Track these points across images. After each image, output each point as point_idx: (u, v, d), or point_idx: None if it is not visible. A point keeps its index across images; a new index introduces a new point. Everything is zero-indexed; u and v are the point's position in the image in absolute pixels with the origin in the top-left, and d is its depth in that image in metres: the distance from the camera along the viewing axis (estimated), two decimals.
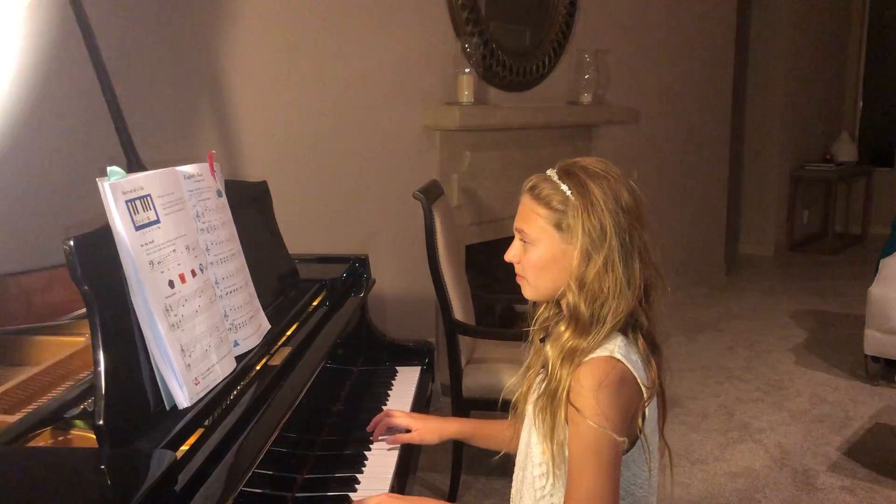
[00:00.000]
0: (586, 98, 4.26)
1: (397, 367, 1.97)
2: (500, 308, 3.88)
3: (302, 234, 2.40)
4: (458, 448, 2.78)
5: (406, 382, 1.87)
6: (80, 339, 1.53)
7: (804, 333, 4.73)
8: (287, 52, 2.93)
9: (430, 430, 1.56)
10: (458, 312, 2.75)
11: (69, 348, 1.50)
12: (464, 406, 2.72)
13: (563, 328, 1.25)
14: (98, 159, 2.19)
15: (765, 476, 2.97)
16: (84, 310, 1.80)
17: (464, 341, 2.78)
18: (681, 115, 5.35)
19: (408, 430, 1.57)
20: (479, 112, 3.59)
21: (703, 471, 3.01)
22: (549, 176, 1.27)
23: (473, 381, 2.72)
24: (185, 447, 1.02)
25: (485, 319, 3.56)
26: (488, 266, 3.90)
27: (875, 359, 3.86)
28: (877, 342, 3.75)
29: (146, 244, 1.07)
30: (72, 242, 0.95)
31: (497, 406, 1.60)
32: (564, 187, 1.23)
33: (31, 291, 1.88)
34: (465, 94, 3.52)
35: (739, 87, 6.43)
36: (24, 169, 2.20)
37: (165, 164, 1.27)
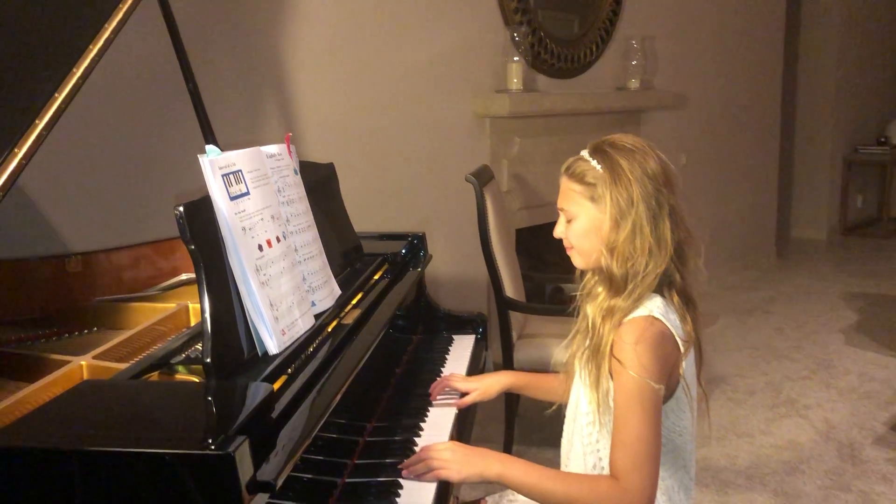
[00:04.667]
0: (634, 84, 4.34)
1: (453, 336, 2.11)
2: (550, 289, 4.00)
3: (361, 217, 2.55)
4: (510, 421, 2.92)
5: (462, 348, 2.01)
6: (171, 305, 1.71)
7: (855, 315, 4.74)
8: (345, 44, 3.09)
9: (489, 385, 1.70)
10: (510, 290, 2.88)
11: (161, 313, 1.68)
12: None
13: (600, 289, 1.38)
14: (177, 146, 2.39)
15: (810, 449, 3.04)
16: (169, 281, 2.01)
17: (515, 318, 2.91)
18: (730, 98, 5.37)
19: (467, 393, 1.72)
20: (528, 99, 3.70)
21: (750, 443, 3.09)
22: (582, 155, 1.40)
23: (525, 355, 2.85)
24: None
25: (535, 299, 3.68)
26: (537, 249, 4.02)
27: None
28: None
29: (239, 212, 1.23)
30: (181, 208, 1.11)
31: None
32: (594, 162, 1.37)
33: (121, 268, 2.07)
34: (515, 82, 3.64)
35: (790, 69, 6.40)
36: (110, 156, 2.41)
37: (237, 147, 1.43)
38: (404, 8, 3.28)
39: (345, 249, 1.83)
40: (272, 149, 1.43)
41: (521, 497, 1.62)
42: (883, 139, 7.17)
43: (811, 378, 3.77)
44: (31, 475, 0.89)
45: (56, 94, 1.23)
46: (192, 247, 1.12)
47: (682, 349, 1.35)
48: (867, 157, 7.05)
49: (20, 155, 1.15)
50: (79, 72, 1.30)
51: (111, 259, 2.05)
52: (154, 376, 1.25)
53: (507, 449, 2.94)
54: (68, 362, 1.34)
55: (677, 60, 4.81)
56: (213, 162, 1.20)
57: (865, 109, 7.19)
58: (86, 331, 1.71)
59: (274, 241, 1.31)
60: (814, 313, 4.80)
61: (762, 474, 2.86)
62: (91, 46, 1.34)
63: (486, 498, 1.68)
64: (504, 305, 2.85)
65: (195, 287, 1.92)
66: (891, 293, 5.15)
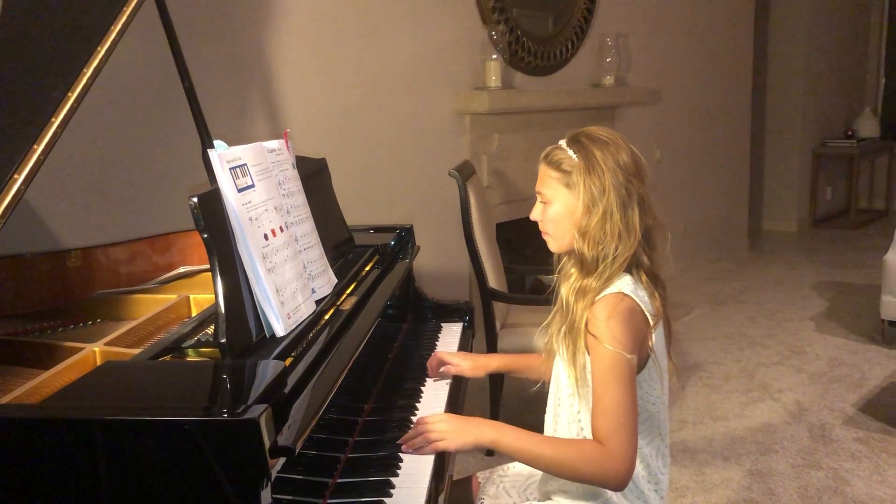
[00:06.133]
0: (608, 80, 4.46)
1: (441, 324, 2.20)
2: (531, 280, 4.10)
3: (347, 211, 2.63)
4: (495, 408, 3.02)
5: (450, 335, 2.10)
6: (172, 297, 1.78)
7: (825, 303, 4.90)
8: (328, 44, 3.16)
9: (479, 365, 1.79)
10: (493, 281, 2.97)
11: (162, 304, 1.75)
12: None
13: (573, 271, 1.48)
14: (171, 145, 2.45)
15: (783, 430, 3.17)
16: (168, 274, 2.07)
17: (498, 308, 3.01)
18: (702, 93, 5.51)
19: None
20: (507, 96, 3.80)
21: (725, 426, 3.21)
22: (560, 144, 1.50)
23: (508, 344, 2.95)
24: None
25: (516, 290, 3.77)
26: (517, 242, 4.12)
27: (892, 323, 4.02)
28: (893, 307, 3.92)
29: (246, 203, 1.31)
30: (195, 199, 1.19)
31: None
32: (570, 152, 1.47)
33: (118, 262, 2.13)
34: (493, 80, 3.74)
35: (760, 65, 6.55)
36: (107, 155, 2.46)
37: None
38: (386, 8, 3.36)
39: (338, 240, 1.91)
40: (272, 144, 1.51)
41: (510, 472, 1.71)
42: (850, 132, 7.36)
43: (783, 363, 3.90)
44: (74, 444, 0.96)
45: (69, 94, 1.30)
46: (206, 235, 1.19)
47: (651, 323, 1.45)
48: (835, 150, 7.23)
49: (38, 151, 1.22)
50: (88, 72, 1.37)
51: (108, 254, 2.11)
52: (167, 359, 1.32)
53: None
54: (81, 349, 1.41)
55: (651, 57, 4.94)
56: (221, 156, 1.28)
57: (833, 104, 7.38)
58: (89, 322, 1.77)
59: (278, 231, 1.39)
60: (785, 302, 4.95)
61: (737, 454, 2.97)
62: (98, 48, 1.41)
63: (478, 474, 1.77)
64: (488, 296, 2.94)
65: (193, 280, 2.01)
66: (859, 282, 5.31)
